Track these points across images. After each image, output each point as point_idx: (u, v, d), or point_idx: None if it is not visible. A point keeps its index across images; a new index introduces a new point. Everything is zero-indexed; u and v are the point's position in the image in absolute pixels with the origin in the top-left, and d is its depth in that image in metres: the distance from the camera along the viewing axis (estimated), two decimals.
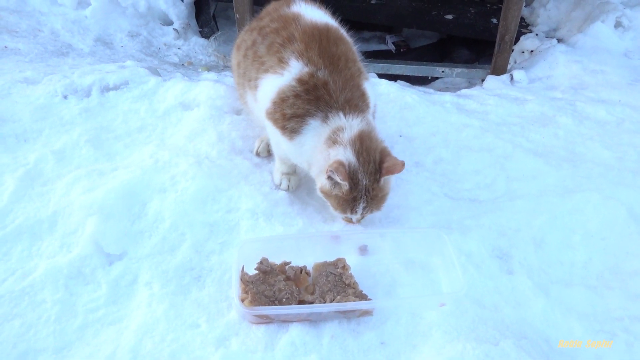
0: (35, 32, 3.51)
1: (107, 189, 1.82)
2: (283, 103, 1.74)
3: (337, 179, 1.62)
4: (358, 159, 1.65)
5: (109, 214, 1.76)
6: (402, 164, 1.67)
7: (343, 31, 1.99)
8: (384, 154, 1.70)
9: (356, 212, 1.71)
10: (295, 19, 1.87)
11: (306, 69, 1.74)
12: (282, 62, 1.78)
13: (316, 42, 1.78)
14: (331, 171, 1.61)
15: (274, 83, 1.78)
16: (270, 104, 1.78)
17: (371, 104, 1.86)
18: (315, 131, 1.73)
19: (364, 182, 1.65)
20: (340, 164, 1.62)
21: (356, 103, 1.76)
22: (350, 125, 1.69)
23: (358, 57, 1.97)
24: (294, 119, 1.73)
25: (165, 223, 1.79)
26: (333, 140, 1.68)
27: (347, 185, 1.64)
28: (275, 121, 1.78)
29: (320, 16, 1.95)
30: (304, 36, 1.80)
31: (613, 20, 3.64)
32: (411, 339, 1.50)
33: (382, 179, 1.68)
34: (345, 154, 1.65)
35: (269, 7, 2.08)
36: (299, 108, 1.73)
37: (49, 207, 1.82)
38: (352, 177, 1.64)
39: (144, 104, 2.41)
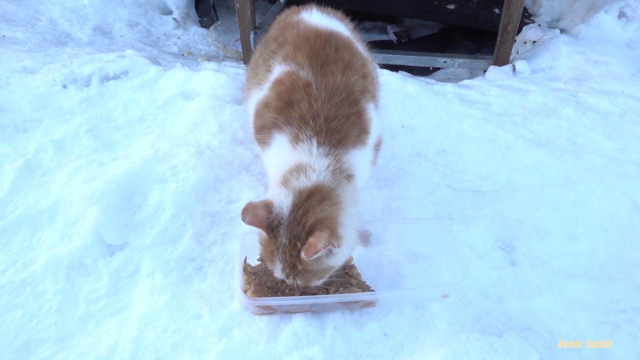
0: (33, 21, 3.48)
1: (108, 179, 1.81)
2: (255, 115, 1.56)
3: (245, 220, 1.31)
4: (291, 213, 1.32)
5: (110, 204, 1.74)
6: (314, 247, 1.24)
7: (358, 44, 1.70)
8: (318, 225, 1.29)
9: (274, 268, 1.37)
10: (296, 24, 1.64)
11: (287, 69, 1.48)
12: (268, 71, 1.56)
13: (308, 44, 1.50)
14: (244, 210, 1.32)
15: (255, 97, 1.61)
16: (252, 118, 1.64)
17: (372, 131, 1.49)
18: (283, 150, 1.42)
19: (283, 241, 1.32)
20: (264, 205, 1.33)
21: (339, 127, 1.39)
22: (317, 166, 1.36)
23: (375, 76, 1.68)
24: (263, 131, 1.50)
25: (167, 213, 1.78)
26: (285, 180, 1.37)
27: (264, 233, 1.34)
28: (253, 132, 1.62)
29: (329, 23, 1.65)
30: (296, 39, 1.54)
31: (616, 10, 3.61)
32: (414, 331, 1.49)
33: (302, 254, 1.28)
34: (279, 198, 1.35)
35: (281, 15, 1.87)
36: (265, 118, 1.48)
37: (49, 197, 1.80)
38: (271, 227, 1.33)
39: (144, 94, 2.39)
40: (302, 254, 1.28)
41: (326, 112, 1.40)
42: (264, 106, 1.50)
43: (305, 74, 1.45)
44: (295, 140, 1.40)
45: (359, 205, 1.48)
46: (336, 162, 1.38)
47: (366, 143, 1.47)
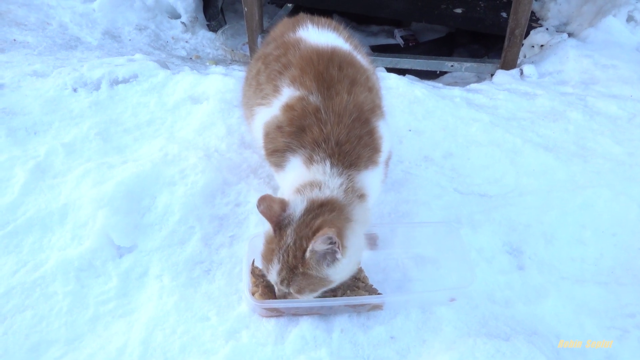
0: (43, 25, 3.53)
1: (117, 182, 1.83)
2: (267, 137, 1.58)
3: (259, 208, 1.37)
4: (301, 216, 1.37)
5: (119, 206, 1.76)
6: (323, 233, 1.27)
7: (359, 57, 1.71)
8: (326, 223, 1.32)
9: (270, 270, 1.38)
10: (296, 44, 1.66)
11: (296, 94, 1.51)
12: (275, 90, 1.58)
13: (313, 66, 1.53)
14: (261, 199, 1.38)
15: (262, 115, 1.62)
16: (262, 137, 1.65)
17: (383, 149, 1.52)
18: (298, 171, 1.46)
19: (288, 241, 1.35)
20: (280, 202, 1.39)
21: (351, 149, 1.43)
22: (330, 184, 1.40)
23: (379, 87, 1.70)
24: (276, 154, 1.53)
25: (175, 216, 1.80)
26: (298, 191, 1.43)
27: (272, 228, 1.38)
28: (264, 153, 1.64)
29: (328, 39, 1.68)
30: (300, 61, 1.57)
31: (625, 14, 3.60)
32: (421, 334, 1.50)
33: (309, 250, 1.31)
34: (294, 201, 1.40)
35: (276, 31, 1.88)
36: (278, 142, 1.51)
37: (60, 199, 1.82)
38: (280, 225, 1.37)
39: (154, 97, 2.42)
40: (310, 245, 1.30)
41: (337, 135, 1.43)
42: (276, 130, 1.52)
43: (314, 98, 1.48)
44: (310, 161, 1.44)
45: (367, 226, 1.50)
46: (349, 181, 1.43)
47: (378, 162, 1.51)
